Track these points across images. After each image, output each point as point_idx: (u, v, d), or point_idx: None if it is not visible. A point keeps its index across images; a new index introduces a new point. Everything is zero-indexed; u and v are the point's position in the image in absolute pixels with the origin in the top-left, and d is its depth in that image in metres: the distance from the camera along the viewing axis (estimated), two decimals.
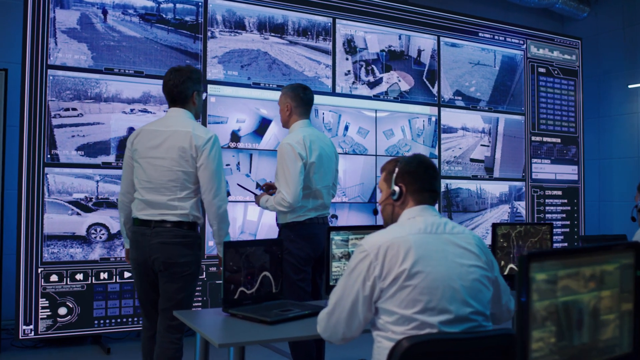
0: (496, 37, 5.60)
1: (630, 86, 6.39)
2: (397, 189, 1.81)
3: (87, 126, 3.90)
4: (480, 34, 5.51)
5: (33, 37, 3.79)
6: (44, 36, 3.81)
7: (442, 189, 5.23)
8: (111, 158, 3.95)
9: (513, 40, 5.71)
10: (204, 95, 2.83)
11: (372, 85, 4.92)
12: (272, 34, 4.52)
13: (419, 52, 5.16)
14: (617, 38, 6.61)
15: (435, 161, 5.20)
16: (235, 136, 4.35)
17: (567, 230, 5.95)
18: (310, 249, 2.93)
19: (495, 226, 2.87)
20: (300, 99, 3.05)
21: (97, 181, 3.92)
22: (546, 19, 6.94)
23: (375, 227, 2.62)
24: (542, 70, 5.86)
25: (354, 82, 4.83)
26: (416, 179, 1.81)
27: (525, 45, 5.78)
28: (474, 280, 1.67)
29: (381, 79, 4.97)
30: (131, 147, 2.67)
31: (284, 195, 2.84)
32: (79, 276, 3.85)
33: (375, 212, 1.95)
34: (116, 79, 3.99)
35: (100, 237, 3.92)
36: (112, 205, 3.94)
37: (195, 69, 2.77)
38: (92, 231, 3.89)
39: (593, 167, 6.51)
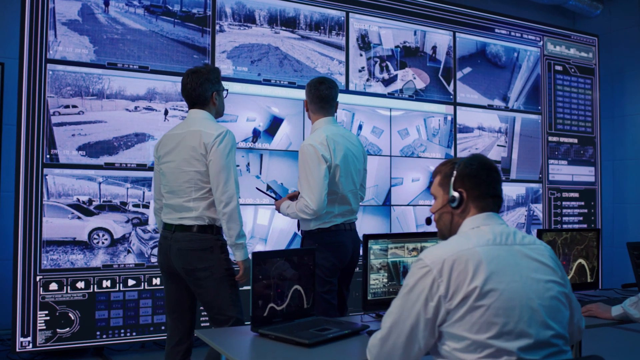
0: (512, 34, 5.40)
1: None
2: (456, 194, 1.59)
3: (89, 124, 3.66)
4: (496, 30, 5.31)
5: (31, 29, 3.54)
6: (42, 28, 3.57)
7: None
8: (114, 158, 3.71)
9: (529, 37, 5.51)
10: (225, 92, 2.66)
11: (386, 82, 4.70)
12: (283, 28, 4.30)
13: (435, 48, 4.95)
14: (632, 36, 6.42)
15: None
16: (256, 134, 4.15)
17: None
18: (337, 259, 2.70)
19: (540, 233, 2.66)
20: (312, 95, 2.82)
21: (100, 183, 3.68)
22: (558, 16, 6.74)
23: (416, 235, 2.40)
24: (558, 68, 5.66)
25: (368, 79, 4.61)
26: (479, 183, 1.59)
27: (541, 42, 5.58)
28: (552, 298, 1.45)
29: (396, 76, 4.75)
30: (156, 154, 2.64)
31: (307, 201, 2.61)
32: (80, 284, 3.61)
33: (428, 222, 1.70)
34: (120, 75, 3.75)
35: (103, 243, 3.67)
36: (115, 208, 3.70)
37: (214, 68, 2.66)
38: (94, 236, 3.65)
39: (607, 168, 6.32)
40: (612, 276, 6.31)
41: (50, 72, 3.57)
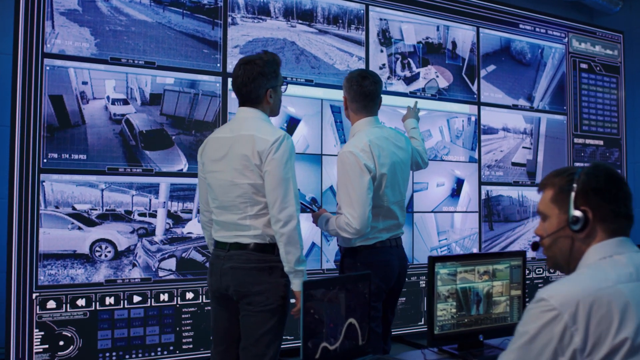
0: (537, 30, 5.10)
1: None
2: (579, 214, 1.27)
3: (91, 126, 3.32)
4: (521, 26, 5.01)
5: (26, 20, 3.20)
6: (38, 19, 3.23)
7: (483, 196, 4.71)
8: (118, 163, 3.37)
9: (554, 33, 5.21)
10: (284, 87, 2.33)
11: (408, 81, 4.39)
12: (300, 21, 3.97)
13: (458, 45, 4.64)
14: None
15: (475, 166, 4.68)
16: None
17: None
18: (382, 280, 2.37)
19: None
20: (354, 92, 2.49)
21: (102, 190, 3.34)
22: (575, 12, 6.45)
23: (488, 256, 2.06)
24: (584, 66, 5.37)
25: (389, 77, 4.30)
26: (608, 199, 1.27)
27: (566, 39, 5.29)
28: None
29: (418, 74, 4.44)
30: (200, 160, 2.33)
31: (348, 219, 2.29)
32: (81, 302, 3.26)
33: (535, 247, 1.37)
34: (124, 71, 3.42)
35: (106, 256, 3.33)
36: (119, 217, 3.36)
37: (272, 58, 2.29)
38: (97, 248, 3.31)
39: (633, 171, 6.03)
40: None
41: (48, 68, 3.23)
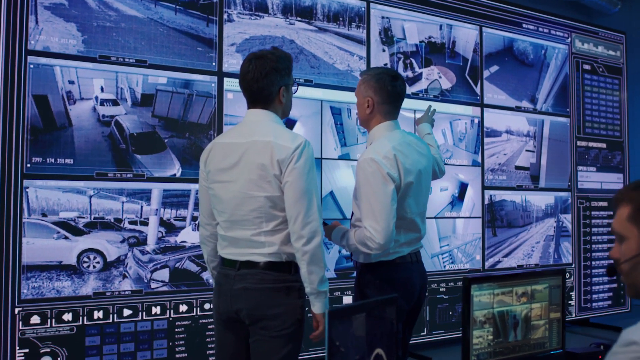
0: (540, 29, 4.96)
1: None
2: None
3: (78, 128, 3.11)
4: (524, 25, 4.86)
5: (8, 14, 2.98)
6: (21, 13, 3.01)
7: (486, 201, 4.55)
8: (107, 167, 3.16)
9: (557, 33, 5.08)
10: (295, 88, 2.13)
11: (410, 81, 4.21)
12: (299, 18, 3.79)
13: (461, 45, 4.48)
14: None
15: (478, 170, 4.52)
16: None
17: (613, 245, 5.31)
18: (404, 299, 2.18)
19: None
20: (387, 93, 2.27)
21: (91, 196, 3.12)
22: (573, 12, 6.32)
23: (526, 275, 1.85)
24: (587, 67, 5.23)
25: None
26: None
27: (569, 39, 5.15)
28: None
29: (420, 74, 4.27)
30: (204, 168, 2.09)
31: (371, 233, 2.08)
32: (67, 316, 3.05)
33: (611, 273, 1.17)
34: (114, 69, 3.21)
35: (94, 267, 3.12)
36: (108, 226, 3.15)
37: (285, 54, 2.08)
38: (84, 259, 3.10)
39: (632, 174, 5.91)
40: None
41: (31, 66, 3.02)
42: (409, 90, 4.18)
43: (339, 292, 3.83)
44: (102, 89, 3.17)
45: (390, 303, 1.61)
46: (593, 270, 5.16)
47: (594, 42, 5.31)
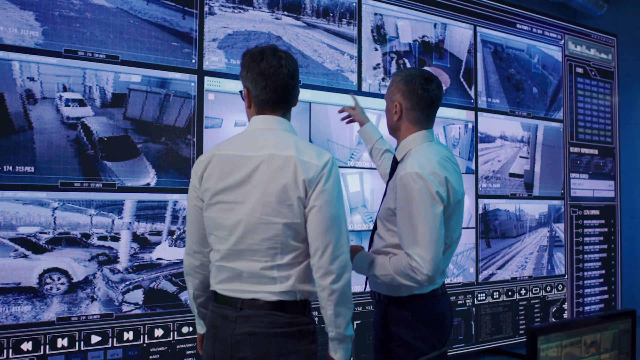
0: (534, 30, 4.75)
1: None
2: None
3: (39, 131, 2.74)
4: (518, 26, 4.64)
5: None
6: None
7: (480, 210, 4.31)
8: (73, 176, 2.80)
9: (551, 34, 4.87)
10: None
11: None
12: (286, 13, 3.48)
13: (456, 45, 4.23)
14: None
15: (472, 177, 4.27)
16: None
17: (605, 255, 5.15)
18: (437, 338, 1.89)
19: None
20: (417, 97, 1.96)
21: (54, 209, 2.76)
22: (559, 14, 6.15)
23: (596, 322, 1.56)
24: (579, 70, 5.05)
25: (383, 79, 3.85)
26: None
27: (563, 41, 4.96)
28: None
29: None
30: (199, 184, 1.70)
31: (417, 263, 1.77)
32: (27, 345, 2.68)
33: None
34: (81, 66, 2.85)
35: (58, 288, 2.76)
36: (74, 242, 2.79)
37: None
38: (47, 280, 2.73)
39: (623, 181, 5.77)
40: (635, 299, 5.77)
41: None
42: None
43: None
44: (65, 88, 2.81)
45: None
46: (585, 282, 4.98)
47: (587, 45, 5.13)
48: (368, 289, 2.12)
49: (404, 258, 1.81)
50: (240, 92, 1.78)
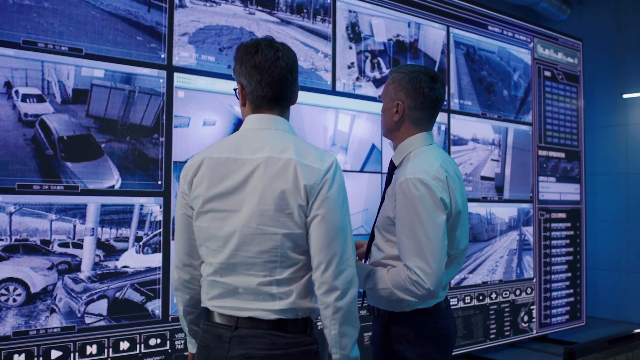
0: (505, 32, 4.73)
1: (625, 96, 5.80)
2: None
3: None
4: (489, 27, 4.62)
5: None
6: None
7: None
8: (32, 178, 2.58)
9: (521, 37, 4.87)
10: None
11: (378, 82, 3.85)
12: (260, 8, 3.33)
13: (429, 45, 4.16)
14: (606, 42, 6.00)
15: None
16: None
17: (571, 258, 5.18)
18: (441, 355, 1.76)
19: None
20: (423, 96, 1.82)
21: (11, 214, 2.53)
22: (524, 17, 6.19)
23: (627, 338, 1.44)
24: (547, 74, 5.07)
25: (358, 78, 3.74)
26: None
27: (532, 44, 4.96)
28: None
29: (387, 76, 3.91)
30: (188, 191, 1.53)
31: (418, 276, 1.64)
32: None
33: None
34: (39, 58, 2.63)
35: (14, 300, 2.53)
36: (32, 250, 2.57)
37: None
38: (2, 291, 2.51)
39: (588, 184, 5.85)
40: (597, 303, 5.85)
41: None
42: (375, 93, 3.80)
43: None
44: (25, 82, 2.59)
45: None
46: (552, 285, 4.99)
47: (554, 48, 5.15)
48: (366, 303, 2.00)
49: (403, 271, 1.69)
50: (235, 89, 1.62)
